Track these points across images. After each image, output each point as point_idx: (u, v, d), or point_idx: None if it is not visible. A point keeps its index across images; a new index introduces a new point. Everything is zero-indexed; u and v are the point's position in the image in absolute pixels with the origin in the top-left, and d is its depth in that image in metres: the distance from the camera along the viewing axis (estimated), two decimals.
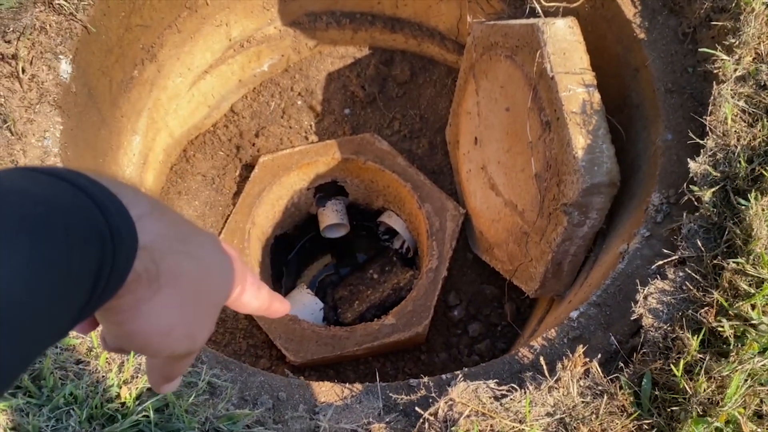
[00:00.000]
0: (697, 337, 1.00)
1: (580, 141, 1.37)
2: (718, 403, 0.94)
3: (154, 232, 0.42)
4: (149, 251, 0.42)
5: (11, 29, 1.28)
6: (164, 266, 0.43)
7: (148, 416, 0.91)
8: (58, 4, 1.35)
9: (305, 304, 2.17)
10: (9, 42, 1.28)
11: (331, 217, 2.26)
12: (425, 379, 1.10)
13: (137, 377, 0.97)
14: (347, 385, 1.14)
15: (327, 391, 1.14)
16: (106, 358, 0.99)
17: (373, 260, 2.37)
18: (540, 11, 1.52)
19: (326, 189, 2.28)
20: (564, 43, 1.44)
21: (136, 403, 0.94)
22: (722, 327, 1.00)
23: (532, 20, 1.54)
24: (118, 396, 0.94)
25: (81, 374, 0.96)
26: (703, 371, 0.96)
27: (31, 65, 1.31)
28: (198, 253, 0.47)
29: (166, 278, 0.43)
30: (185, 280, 0.45)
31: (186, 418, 0.92)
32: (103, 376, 0.96)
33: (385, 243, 2.38)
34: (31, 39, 1.31)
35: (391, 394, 1.10)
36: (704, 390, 0.95)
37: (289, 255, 2.44)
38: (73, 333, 1.03)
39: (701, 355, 0.99)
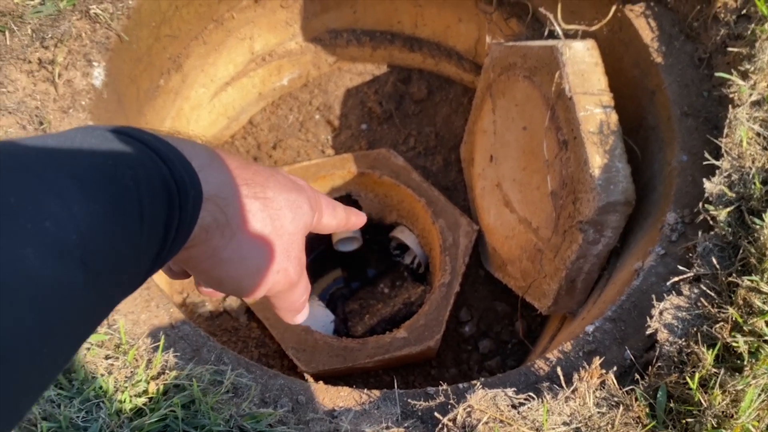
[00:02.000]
0: (712, 351, 1.02)
1: (596, 160, 1.40)
2: (733, 416, 0.96)
3: (217, 181, 0.44)
4: (214, 200, 0.43)
5: (49, 35, 1.33)
6: (232, 212, 0.44)
7: (174, 411, 0.93)
8: (95, 13, 1.40)
9: (316, 316, 2.19)
10: (47, 47, 1.33)
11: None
12: (444, 386, 1.12)
13: (165, 373, 0.99)
14: (365, 390, 1.16)
15: (345, 396, 1.16)
16: (135, 354, 1.02)
17: (384, 275, 2.39)
18: (560, 33, 1.56)
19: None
20: (582, 64, 1.48)
21: (164, 398, 0.96)
22: (737, 342, 1.02)
23: (551, 42, 1.58)
24: (146, 391, 0.97)
25: (110, 369, 0.99)
26: (717, 385, 0.98)
27: (67, 70, 1.35)
28: (265, 193, 0.48)
29: (237, 223, 0.45)
30: (257, 221, 0.46)
31: (212, 415, 0.94)
32: (131, 372, 0.99)
33: (397, 258, 2.41)
34: (67, 45, 1.36)
35: (409, 401, 1.12)
36: (719, 403, 0.97)
37: None
38: (103, 328, 1.06)
39: (716, 370, 1.01)
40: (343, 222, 0.59)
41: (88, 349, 1.01)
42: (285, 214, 0.49)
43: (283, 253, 0.49)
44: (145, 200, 0.38)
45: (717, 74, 1.35)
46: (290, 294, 0.52)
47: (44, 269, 0.30)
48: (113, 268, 0.36)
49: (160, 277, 1.78)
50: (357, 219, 0.61)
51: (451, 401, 1.07)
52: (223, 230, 0.44)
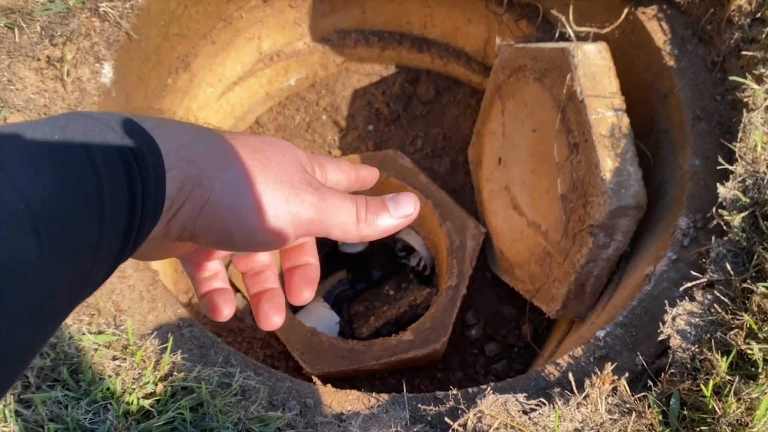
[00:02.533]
0: (726, 359, 1.01)
1: (608, 163, 1.39)
2: (747, 424, 0.95)
3: (174, 134, 0.41)
4: (178, 153, 0.40)
5: (59, 33, 1.32)
6: (202, 156, 0.41)
7: (183, 414, 0.92)
8: (104, 11, 1.39)
9: (321, 317, 2.18)
10: (56, 45, 1.32)
11: None
12: (453, 391, 1.11)
13: (173, 375, 0.98)
14: (374, 394, 1.15)
15: (354, 400, 1.15)
16: (142, 356, 1.01)
17: (390, 277, 2.38)
18: (572, 35, 1.55)
19: None
20: (594, 67, 1.47)
21: (172, 400, 0.95)
22: (751, 350, 1.01)
23: (562, 44, 1.57)
24: (154, 393, 0.96)
25: (118, 370, 0.98)
26: (732, 392, 0.97)
27: (75, 68, 1.34)
28: (234, 137, 0.45)
29: (213, 166, 0.41)
30: (235, 155, 0.43)
31: (220, 417, 0.93)
32: (139, 373, 0.98)
33: (402, 260, 2.40)
34: (76, 43, 1.35)
35: (418, 405, 1.10)
36: (733, 411, 0.95)
37: None
38: (110, 329, 1.05)
39: (730, 377, 1.00)
40: (353, 176, 0.53)
41: (96, 350, 1.00)
42: (264, 148, 0.45)
43: (284, 184, 0.44)
44: (101, 167, 0.36)
45: (731, 78, 1.34)
46: (331, 214, 0.45)
47: None
48: (73, 239, 0.34)
49: (165, 277, 1.77)
50: (368, 172, 0.56)
51: (461, 406, 1.06)
52: (200, 179, 0.41)
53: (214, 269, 0.55)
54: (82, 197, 0.35)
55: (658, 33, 1.50)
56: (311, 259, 0.54)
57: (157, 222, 0.41)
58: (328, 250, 2.44)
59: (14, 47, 1.31)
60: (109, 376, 0.96)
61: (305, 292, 0.53)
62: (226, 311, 0.53)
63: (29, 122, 0.36)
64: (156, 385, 0.96)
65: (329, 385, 1.18)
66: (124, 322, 1.09)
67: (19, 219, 0.31)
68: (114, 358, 1.00)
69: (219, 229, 0.42)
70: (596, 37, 1.59)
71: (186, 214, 0.42)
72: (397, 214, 0.48)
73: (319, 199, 0.44)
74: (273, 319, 0.53)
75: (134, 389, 0.94)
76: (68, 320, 1.04)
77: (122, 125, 0.39)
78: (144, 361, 1.00)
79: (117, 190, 0.36)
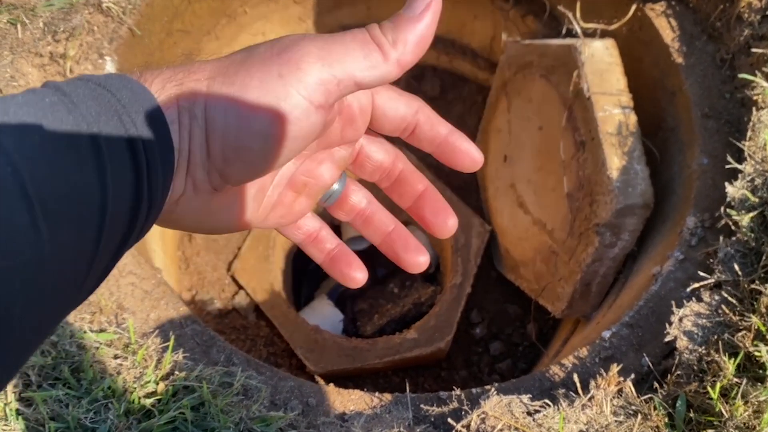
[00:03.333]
0: (734, 361, 0.99)
1: (615, 162, 1.37)
2: (755, 428, 0.94)
3: (156, 75, 0.37)
4: (166, 91, 0.36)
5: (61, 29, 1.31)
6: (184, 82, 0.37)
7: (184, 414, 0.92)
8: (107, 6, 1.38)
9: (325, 315, 2.18)
10: (58, 41, 1.31)
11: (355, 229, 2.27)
12: (457, 392, 1.10)
13: (174, 374, 0.98)
14: (376, 394, 1.14)
15: (356, 400, 1.14)
16: (144, 354, 1.00)
17: (394, 274, 2.37)
18: (579, 32, 1.53)
19: None
20: (601, 64, 1.45)
21: (173, 399, 0.94)
22: (759, 352, 0.99)
23: (569, 41, 1.55)
24: (155, 392, 0.95)
25: (119, 369, 0.97)
26: (739, 395, 0.95)
27: (78, 64, 1.33)
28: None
29: (195, 87, 0.37)
30: (216, 68, 0.37)
31: (222, 417, 0.92)
32: (140, 372, 0.97)
33: None
34: (79, 39, 1.34)
35: (421, 405, 1.10)
36: (741, 414, 0.94)
37: (310, 265, 2.45)
38: (112, 327, 1.04)
39: (737, 379, 0.98)
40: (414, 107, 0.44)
41: (97, 348, 0.99)
42: (255, 50, 0.39)
43: (264, 55, 0.37)
44: (93, 123, 0.33)
45: (740, 76, 1.32)
46: (342, 54, 0.37)
47: None
48: (71, 204, 0.30)
49: (168, 275, 1.77)
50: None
51: (465, 407, 1.05)
52: (192, 110, 0.36)
53: (313, 226, 0.49)
54: (80, 159, 0.31)
55: (667, 30, 1.49)
56: (420, 184, 0.48)
57: (171, 176, 0.36)
58: None
59: (17, 43, 1.30)
60: (111, 375, 0.95)
61: (449, 219, 0.47)
62: (358, 276, 0.49)
63: (16, 95, 0.33)
64: (157, 384, 0.95)
65: (332, 384, 1.18)
66: (126, 321, 1.08)
67: (5, 184, 0.28)
68: (115, 357, 1.00)
69: (236, 149, 0.37)
70: (604, 34, 1.57)
71: (198, 155, 0.37)
72: (419, 8, 0.38)
73: (318, 48, 0.36)
74: (419, 258, 0.48)
75: (135, 388, 0.93)
76: (70, 318, 1.04)
77: (108, 79, 0.35)
78: (145, 360, 0.99)
79: (116, 147, 0.33)
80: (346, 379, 1.95)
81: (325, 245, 0.49)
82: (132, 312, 1.13)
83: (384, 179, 0.49)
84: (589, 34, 1.57)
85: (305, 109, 0.36)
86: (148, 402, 0.92)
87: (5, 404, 0.89)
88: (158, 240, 1.80)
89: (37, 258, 0.29)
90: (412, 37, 0.38)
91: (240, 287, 2.03)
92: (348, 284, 0.49)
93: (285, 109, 0.36)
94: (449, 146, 0.46)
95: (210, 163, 0.38)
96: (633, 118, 1.41)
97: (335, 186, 0.48)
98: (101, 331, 1.04)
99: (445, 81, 2.29)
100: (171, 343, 1.02)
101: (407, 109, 0.44)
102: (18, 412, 0.90)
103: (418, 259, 0.48)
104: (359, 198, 0.49)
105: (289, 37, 0.38)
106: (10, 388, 0.91)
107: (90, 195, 0.32)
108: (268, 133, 0.36)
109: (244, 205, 0.43)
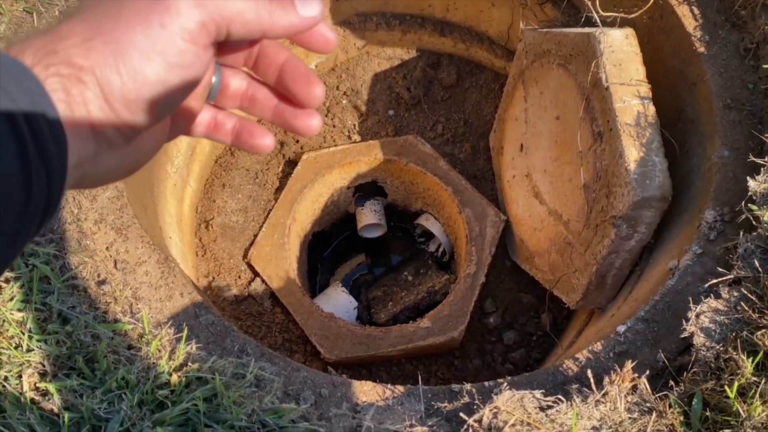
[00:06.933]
0: (753, 359, 0.98)
1: (632, 153, 1.35)
2: None
3: (28, 44, 0.38)
4: (40, 60, 0.37)
5: None
6: (61, 48, 0.37)
7: (197, 405, 0.92)
8: None
9: (340, 302, 2.18)
10: None
11: (369, 217, 2.26)
12: (468, 386, 1.10)
13: (188, 365, 0.98)
14: (389, 386, 1.14)
15: (369, 391, 1.14)
16: (158, 345, 1.01)
17: (408, 262, 2.37)
18: (597, 20, 1.50)
19: (366, 189, 2.28)
20: (620, 53, 1.42)
21: (186, 390, 0.95)
22: None
23: (587, 29, 1.52)
24: (168, 383, 0.96)
25: (133, 359, 0.98)
26: (758, 395, 0.94)
27: None
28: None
29: (74, 53, 0.37)
30: (98, 23, 0.38)
31: (234, 409, 0.93)
32: (153, 363, 0.98)
33: (421, 245, 2.38)
34: None
35: (433, 399, 1.09)
36: (758, 414, 0.93)
37: (325, 252, 2.45)
38: (126, 317, 1.05)
39: (756, 378, 0.97)
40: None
41: (111, 338, 1.00)
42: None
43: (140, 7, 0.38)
44: None
45: (765, 66, 1.29)
46: (223, 2, 0.39)
47: None
48: None
49: (185, 262, 1.77)
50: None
51: (477, 401, 1.05)
52: (79, 76, 0.37)
53: (209, 116, 0.50)
54: None
55: (689, 18, 1.45)
56: (282, 55, 0.48)
57: (65, 143, 0.37)
58: (349, 233, 2.44)
59: (33, 31, 1.30)
60: (124, 365, 0.96)
61: (315, 87, 0.47)
62: (265, 142, 0.50)
63: None
64: (170, 375, 0.96)
65: (344, 375, 1.18)
66: (140, 311, 1.09)
67: None
68: (129, 347, 1.00)
69: (139, 103, 0.39)
70: (623, 23, 1.54)
71: (102, 116, 0.38)
72: (305, 12, 0.42)
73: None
74: (311, 122, 0.49)
75: (149, 379, 0.94)
76: (84, 308, 1.04)
77: None
78: (159, 351, 1.00)
79: None
80: (360, 366, 1.96)
81: (226, 127, 0.51)
82: (147, 302, 1.13)
83: (248, 60, 0.49)
84: (609, 23, 1.54)
85: (194, 52, 0.39)
86: (161, 393, 0.93)
87: (20, 394, 0.90)
88: (175, 228, 1.81)
89: None
90: (287, 20, 0.42)
91: (256, 274, 2.03)
92: (259, 151, 0.51)
93: (175, 57, 0.38)
94: (302, 40, 0.46)
95: (118, 120, 0.39)
96: (652, 109, 1.38)
97: (213, 79, 0.48)
98: (116, 321, 1.05)
99: (462, 69, 2.27)
100: (184, 334, 1.03)
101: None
102: (33, 402, 0.91)
103: (310, 122, 0.49)
104: (239, 82, 0.49)
105: None
106: (25, 377, 0.92)
107: None
108: (165, 80, 0.39)
109: (156, 137, 0.46)
